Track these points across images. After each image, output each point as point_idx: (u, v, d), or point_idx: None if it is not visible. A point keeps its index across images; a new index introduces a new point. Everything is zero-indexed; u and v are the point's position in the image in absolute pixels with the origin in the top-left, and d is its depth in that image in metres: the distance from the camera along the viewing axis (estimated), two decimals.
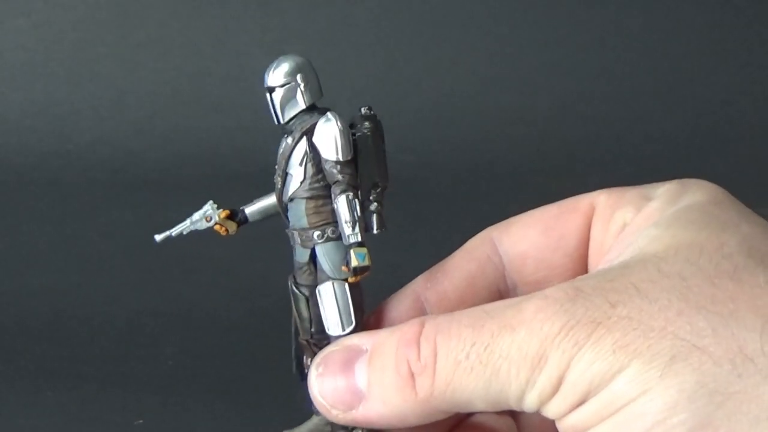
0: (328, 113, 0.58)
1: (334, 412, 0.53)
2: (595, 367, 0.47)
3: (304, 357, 0.58)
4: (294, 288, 0.58)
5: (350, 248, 0.56)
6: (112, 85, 1.44)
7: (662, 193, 0.56)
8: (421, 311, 0.58)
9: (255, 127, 1.38)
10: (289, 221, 0.58)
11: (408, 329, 0.52)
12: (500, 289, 0.60)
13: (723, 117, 1.49)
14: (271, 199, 0.60)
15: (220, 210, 0.61)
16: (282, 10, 1.48)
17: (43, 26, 1.46)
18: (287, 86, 0.58)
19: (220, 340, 0.97)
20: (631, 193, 0.58)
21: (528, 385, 0.49)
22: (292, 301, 0.58)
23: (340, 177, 0.57)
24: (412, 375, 0.51)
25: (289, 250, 0.58)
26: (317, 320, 0.57)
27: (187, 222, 0.61)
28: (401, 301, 0.59)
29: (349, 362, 0.53)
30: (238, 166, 1.38)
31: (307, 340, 0.58)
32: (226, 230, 0.60)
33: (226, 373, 0.91)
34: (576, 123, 1.46)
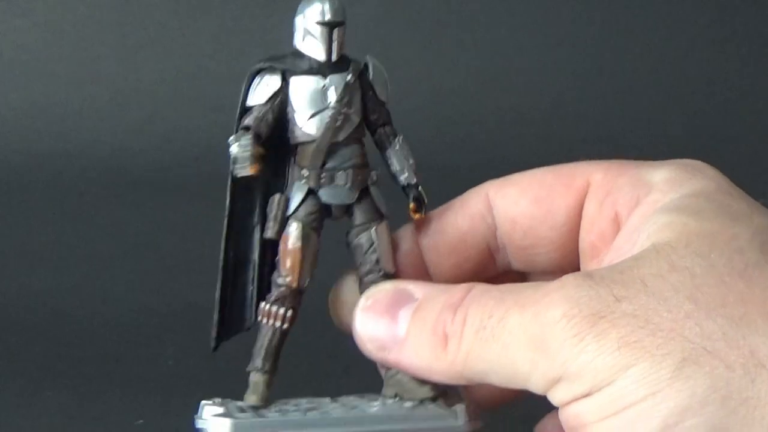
0: (370, 56, 0.59)
1: (369, 346, 0.55)
2: (599, 361, 0.47)
3: (269, 306, 0.60)
4: (309, 231, 0.58)
5: (418, 187, 0.58)
6: (112, 85, 1.44)
7: (665, 178, 0.56)
8: (418, 256, 0.59)
9: None
10: (326, 162, 0.57)
11: (455, 292, 0.53)
12: (490, 246, 0.61)
13: (723, 117, 1.49)
14: (264, 107, 0.59)
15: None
16: (282, 10, 1.48)
17: (43, 26, 1.46)
18: (344, 25, 0.59)
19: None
20: (628, 174, 0.57)
21: (532, 367, 0.49)
22: (300, 242, 0.58)
23: (389, 118, 0.59)
24: (446, 337, 0.51)
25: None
26: (370, 260, 0.57)
27: (241, 155, 0.60)
28: (406, 241, 0.60)
29: (395, 305, 0.54)
30: None
31: (292, 288, 0.59)
32: (256, 169, 0.58)
33: (226, 373, 0.91)
34: (576, 123, 1.46)
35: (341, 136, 0.57)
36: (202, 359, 0.95)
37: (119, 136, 1.40)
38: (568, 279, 0.49)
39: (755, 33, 1.56)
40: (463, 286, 0.53)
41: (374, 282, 0.57)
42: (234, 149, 0.59)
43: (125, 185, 1.34)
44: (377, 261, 0.57)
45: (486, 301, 0.51)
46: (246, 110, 0.61)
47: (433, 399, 0.56)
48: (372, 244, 0.57)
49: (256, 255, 0.63)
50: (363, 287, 0.58)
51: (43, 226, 1.24)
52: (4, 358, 0.95)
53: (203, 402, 0.58)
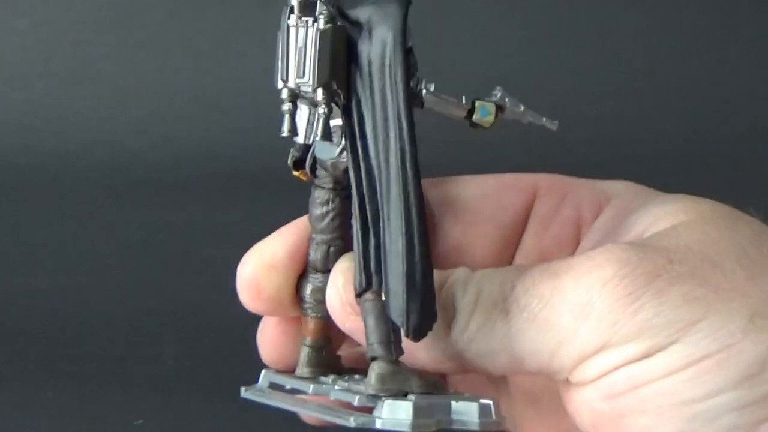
0: None
1: (347, 309, 0.50)
2: (659, 319, 0.45)
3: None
4: None
5: None
6: (112, 85, 1.44)
7: (624, 187, 0.55)
8: None
9: (255, 127, 1.38)
10: None
11: (461, 272, 0.49)
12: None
13: (723, 117, 1.49)
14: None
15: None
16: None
17: (43, 26, 1.46)
18: None
19: (220, 340, 0.97)
20: (579, 183, 0.56)
21: (566, 337, 0.46)
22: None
23: None
24: (454, 312, 0.48)
25: None
26: None
27: None
28: None
29: None
30: (238, 166, 1.38)
31: None
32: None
33: (226, 373, 0.90)
34: (576, 123, 1.46)
35: None
36: (202, 359, 0.96)
37: (119, 136, 1.40)
38: (609, 246, 0.47)
39: (756, 33, 1.56)
40: (462, 268, 0.50)
41: None
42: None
43: (125, 185, 1.34)
44: None
45: (503, 274, 0.48)
46: (410, 50, 0.53)
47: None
48: None
49: None
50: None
51: (43, 226, 1.24)
52: (4, 358, 0.95)
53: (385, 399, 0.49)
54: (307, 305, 0.52)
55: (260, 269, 0.52)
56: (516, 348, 0.47)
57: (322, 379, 0.52)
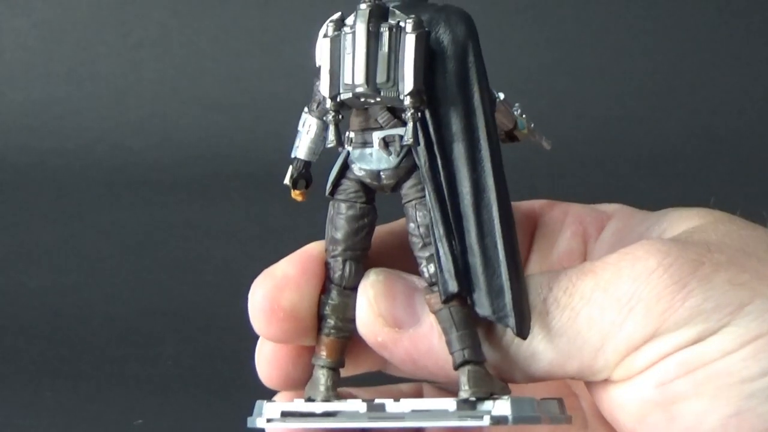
0: None
1: (380, 322, 0.48)
2: (709, 303, 0.46)
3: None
4: None
5: None
6: (112, 85, 1.44)
7: (617, 207, 0.55)
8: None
9: (255, 127, 1.38)
10: None
11: None
12: None
13: (723, 117, 1.49)
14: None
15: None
16: (282, 10, 1.48)
17: (43, 26, 1.46)
18: None
19: (220, 340, 0.97)
20: (575, 204, 0.57)
21: (612, 331, 0.46)
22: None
23: None
24: (488, 322, 0.47)
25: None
26: None
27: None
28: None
29: (412, 286, 0.49)
30: (238, 166, 1.38)
31: None
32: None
33: (226, 373, 0.91)
34: (576, 123, 1.46)
35: None
36: (201, 359, 0.96)
37: (119, 135, 1.40)
38: (644, 242, 0.47)
39: (756, 33, 1.56)
40: None
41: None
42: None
43: (125, 185, 1.34)
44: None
45: (538, 278, 0.47)
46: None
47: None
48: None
49: None
50: None
51: (43, 226, 1.24)
52: (4, 358, 0.95)
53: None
54: (329, 324, 0.50)
55: (273, 290, 0.50)
56: (558, 348, 0.47)
57: (347, 404, 0.50)
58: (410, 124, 0.46)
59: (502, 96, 0.54)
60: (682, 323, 0.46)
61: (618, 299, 0.46)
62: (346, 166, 0.50)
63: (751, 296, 0.46)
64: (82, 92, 1.44)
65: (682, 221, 0.51)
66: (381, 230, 0.52)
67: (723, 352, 0.46)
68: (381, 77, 0.47)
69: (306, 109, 0.50)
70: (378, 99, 0.47)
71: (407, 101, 0.46)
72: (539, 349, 0.47)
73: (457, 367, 0.48)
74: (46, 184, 1.33)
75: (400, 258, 0.51)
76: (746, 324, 0.46)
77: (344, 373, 0.52)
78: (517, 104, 0.57)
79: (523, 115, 0.57)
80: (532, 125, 0.58)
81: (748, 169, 1.38)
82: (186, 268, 1.13)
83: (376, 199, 0.51)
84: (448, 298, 0.47)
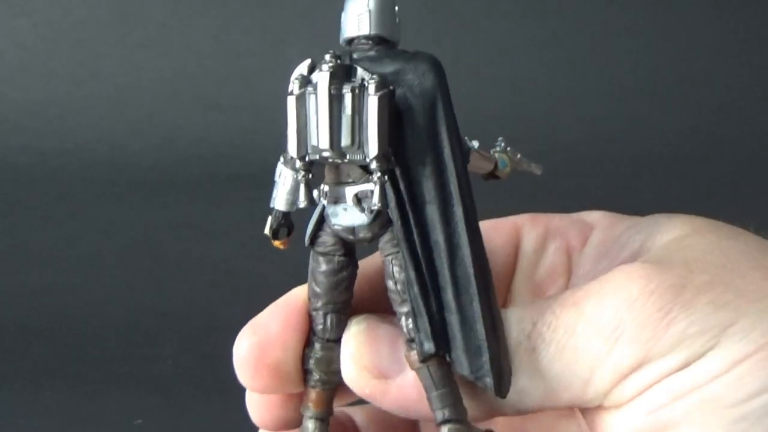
0: None
1: (365, 375, 0.48)
2: (694, 328, 0.45)
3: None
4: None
5: None
6: (112, 85, 1.44)
7: (601, 215, 0.55)
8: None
9: (255, 127, 1.38)
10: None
11: None
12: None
13: (722, 117, 1.49)
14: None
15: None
16: (282, 10, 1.48)
17: (43, 26, 1.46)
18: None
19: (220, 340, 0.96)
20: (559, 217, 0.56)
21: (599, 361, 0.46)
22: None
23: None
24: None
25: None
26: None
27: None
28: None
29: (395, 333, 0.48)
30: (238, 166, 1.38)
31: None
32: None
33: (226, 373, 0.91)
34: (576, 123, 1.46)
35: None
36: (201, 359, 0.96)
37: (119, 135, 1.40)
38: (623, 267, 0.47)
39: (756, 33, 1.56)
40: None
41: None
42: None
43: (125, 185, 1.34)
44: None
45: (519, 313, 0.47)
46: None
47: None
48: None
49: None
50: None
51: (43, 226, 1.24)
52: (4, 358, 0.95)
53: None
54: (314, 377, 0.50)
55: (257, 347, 0.50)
56: (547, 384, 0.46)
57: None
58: (377, 188, 0.46)
59: (476, 144, 0.53)
60: (667, 350, 0.46)
61: (603, 330, 0.46)
62: (323, 219, 0.48)
63: (735, 316, 0.46)
64: (82, 92, 1.44)
65: (663, 232, 0.50)
66: (367, 267, 0.51)
67: (710, 376, 0.46)
68: (345, 141, 0.45)
69: (281, 159, 0.49)
70: (345, 160, 0.46)
71: (373, 165, 0.45)
72: (528, 387, 0.47)
73: (438, 425, 0.47)
74: (46, 184, 1.33)
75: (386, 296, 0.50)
76: (731, 346, 0.45)
77: (343, 400, 0.51)
78: (500, 139, 0.56)
79: (508, 148, 0.56)
80: (519, 155, 0.57)
81: (747, 169, 1.38)
82: (186, 268, 1.13)
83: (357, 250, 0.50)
84: (425, 359, 0.46)
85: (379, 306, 0.50)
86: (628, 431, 0.47)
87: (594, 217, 0.56)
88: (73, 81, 1.44)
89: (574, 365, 0.46)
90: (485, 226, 0.54)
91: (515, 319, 0.47)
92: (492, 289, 0.47)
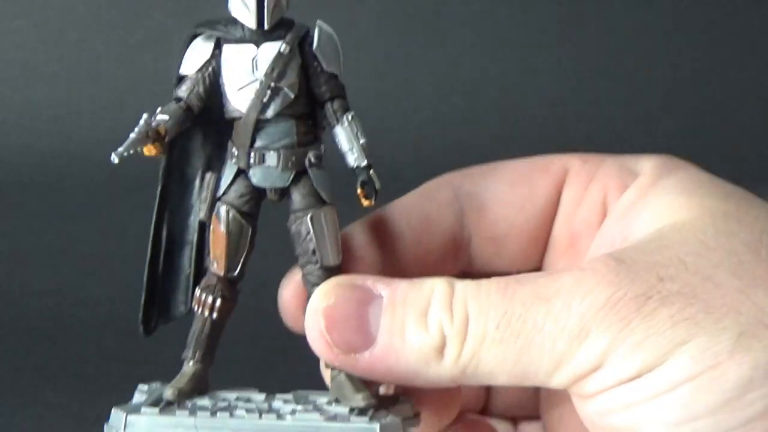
0: (320, 22, 0.53)
1: (335, 351, 0.49)
2: (649, 341, 0.46)
3: (199, 293, 0.55)
4: (239, 218, 0.52)
5: (370, 169, 0.51)
6: (112, 85, 1.44)
7: (652, 165, 0.54)
8: (370, 253, 0.54)
9: None
10: (254, 140, 0.51)
11: (441, 288, 0.48)
12: (456, 238, 0.56)
13: (722, 117, 1.49)
14: (177, 111, 0.55)
15: (156, 126, 0.54)
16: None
17: (43, 26, 1.46)
18: None
19: (219, 340, 0.96)
20: (609, 162, 0.56)
21: (562, 361, 0.47)
22: (225, 227, 0.52)
23: (340, 92, 0.52)
24: (443, 338, 0.48)
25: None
26: (306, 249, 0.51)
27: (133, 136, 0.55)
28: (359, 235, 0.54)
29: (363, 303, 0.49)
30: None
31: (220, 276, 0.53)
32: (158, 149, 0.54)
33: (226, 373, 0.90)
34: (576, 123, 1.46)
35: (270, 113, 0.51)
36: None
37: (119, 136, 1.40)
38: (598, 264, 0.47)
39: (756, 33, 1.56)
40: (440, 279, 0.48)
41: (312, 275, 0.51)
42: (140, 123, 0.53)
43: (125, 185, 1.34)
44: (313, 251, 0.51)
45: (490, 299, 0.47)
46: (181, 78, 0.56)
47: (366, 409, 0.50)
48: (308, 233, 0.51)
49: (194, 237, 0.56)
50: (305, 281, 0.52)
51: (43, 226, 1.24)
52: (4, 358, 0.95)
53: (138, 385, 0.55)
54: None
55: (293, 293, 0.55)
56: (514, 370, 0.48)
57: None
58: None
59: None
60: (622, 359, 0.46)
61: (569, 332, 0.46)
62: None
63: (691, 334, 0.45)
64: (82, 92, 1.44)
65: (666, 214, 0.50)
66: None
67: (654, 392, 0.46)
68: None
69: None
70: None
71: None
72: (496, 372, 0.48)
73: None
74: (46, 184, 1.33)
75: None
76: (679, 364, 0.45)
77: None
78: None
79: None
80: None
81: (748, 169, 1.38)
82: None
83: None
84: None
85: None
86: (588, 422, 0.49)
87: (644, 166, 0.55)
88: (73, 81, 1.44)
89: (540, 359, 0.47)
90: (536, 163, 0.56)
91: (485, 304, 0.47)
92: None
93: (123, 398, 0.90)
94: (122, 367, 0.94)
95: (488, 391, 0.59)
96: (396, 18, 1.49)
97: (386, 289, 0.49)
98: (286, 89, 0.51)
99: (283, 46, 0.51)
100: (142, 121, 0.54)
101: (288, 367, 0.75)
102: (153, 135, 0.54)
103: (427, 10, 1.50)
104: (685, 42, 1.54)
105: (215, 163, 0.54)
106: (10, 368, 0.93)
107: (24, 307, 1.04)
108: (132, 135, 0.54)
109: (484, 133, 1.42)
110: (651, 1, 1.55)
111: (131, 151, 0.54)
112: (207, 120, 0.54)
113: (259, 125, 0.51)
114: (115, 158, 0.54)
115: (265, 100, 0.51)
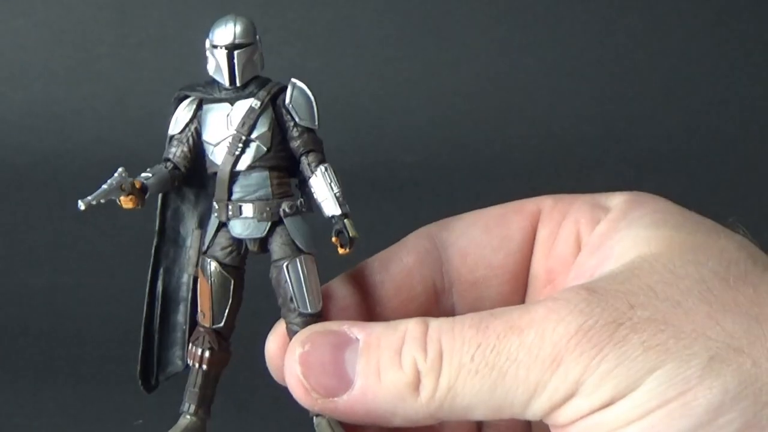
0: (294, 80, 0.54)
1: (314, 396, 0.50)
2: (621, 368, 0.46)
3: (190, 346, 0.56)
4: (220, 270, 0.54)
5: (345, 218, 0.53)
6: (112, 85, 1.44)
7: (622, 200, 0.55)
8: (354, 304, 0.55)
9: None
10: (231, 193, 0.53)
11: (414, 327, 0.50)
12: (436, 285, 0.57)
13: (722, 117, 1.49)
14: (161, 170, 0.57)
15: (132, 179, 0.56)
16: (282, 10, 1.48)
17: (43, 26, 1.46)
18: (251, 46, 0.56)
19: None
20: (581, 200, 0.57)
21: (537, 390, 0.47)
22: (209, 279, 0.54)
23: (314, 146, 0.54)
24: (417, 375, 0.49)
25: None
26: (285, 298, 0.53)
27: (105, 187, 0.56)
28: (341, 287, 0.55)
29: (339, 347, 0.50)
30: None
31: (207, 328, 0.55)
32: (135, 202, 0.55)
33: (227, 373, 0.90)
34: (576, 123, 1.46)
35: (242, 165, 0.53)
36: None
37: (119, 136, 1.40)
38: (570, 294, 0.48)
39: (756, 33, 1.56)
40: (416, 320, 0.50)
41: (293, 324, 0.53)
42: (113, 176, 0.56)
43: None
44: (291, 299, 0.53)
45: (463, 333, 0.48)
46: (171, 139, 0.59)
47: None
48: (286, 281, 0.53)
49: (189, 294, 0.58)
50: (288, 332, 0.53)
51: (43, 226, 1.24)
52: (4, 358, 0.95)
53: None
54: None
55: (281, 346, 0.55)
56: (490, 402, 0.48)
57: None
58: None
59: None
60: (594, 387, 0.47)
61: (542, 361, 0.47)
62: None
63: (662, 360, 0.46)
64: (82, 92, 1.44)
65: (636, 246, 0.51)
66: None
67: (626, 420, 0.47)
68: None
69: None
70: None
71: None
72: (472, 404, 0.48)
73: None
74: (46, 184, 1.33)
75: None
76: (650, 390, 0.46)
77: None
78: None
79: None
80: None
81: (748, 169, 1.38)
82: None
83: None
84: None
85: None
86: None
87: (613, 203, 0.56)
88: (73, 81, 1.44)
89: (514, 392, 0.48)
90: (509, 208, 0.57)
91: (459, 338, 0.49)
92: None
93: (123, 398, 0.90)
94: (122, 367, 0.94)
95: (480, 425, 0.59)
96: (396, 18, 1.49)
97: (362, 332, 0.50)
98: (258, 142, 0.53)
99: (254, 101, 0.54)
100: (116, 174, 0.56)
101: (287, 418, 0.76)
102: (128, 188, 0.56)
103: (427, 10, 1.50)
104: (686, 42, 1.54)
105: (206, 222, 0.56)
106: (10, 368, 0.93)
107: (24, 307, 1.04)
108: (104, 186, 0.55)
109: (484, 133, 1.42)
110: (651, 1, 1.55)
111: (102, 201, 0.55)
112: (199, 182, 0.56)
113: (234, 177, 0.53)
114: (81, 205, 0.54)
115: (237, 152, 0.53)
